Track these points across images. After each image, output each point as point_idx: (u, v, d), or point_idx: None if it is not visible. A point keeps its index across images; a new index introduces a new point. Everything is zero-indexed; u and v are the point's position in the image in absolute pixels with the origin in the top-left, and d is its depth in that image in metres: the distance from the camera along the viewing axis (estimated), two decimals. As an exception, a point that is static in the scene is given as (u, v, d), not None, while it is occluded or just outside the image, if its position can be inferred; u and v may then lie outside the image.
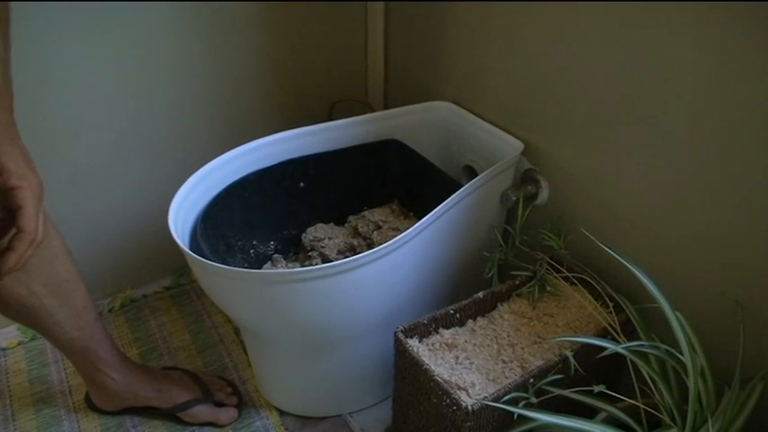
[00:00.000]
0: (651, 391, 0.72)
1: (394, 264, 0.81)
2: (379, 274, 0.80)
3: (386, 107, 1.26)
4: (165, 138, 1.14)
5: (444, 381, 0.75)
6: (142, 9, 1.00)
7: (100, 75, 1.02)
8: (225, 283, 0.78)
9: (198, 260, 0.75)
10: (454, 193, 0.85)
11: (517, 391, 0.74)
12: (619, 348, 0.68)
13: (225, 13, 1.08)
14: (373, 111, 1.23)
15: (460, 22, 1.03)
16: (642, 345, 0.68)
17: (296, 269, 0.73)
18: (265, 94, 1.20)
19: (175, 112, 1.13)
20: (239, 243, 0.98)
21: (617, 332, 0.78)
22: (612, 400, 0.73)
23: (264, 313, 0.81)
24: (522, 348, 0.83)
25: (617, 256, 0.69)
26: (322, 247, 1.02)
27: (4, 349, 1.14)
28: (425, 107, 1.08)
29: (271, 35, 1.15)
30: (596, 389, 0.70)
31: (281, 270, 0.72)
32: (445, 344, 0.83)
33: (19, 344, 1.16)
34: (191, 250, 0.77)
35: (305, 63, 1.21)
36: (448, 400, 0.73)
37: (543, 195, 0.97)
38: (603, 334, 0.81)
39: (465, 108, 1.05)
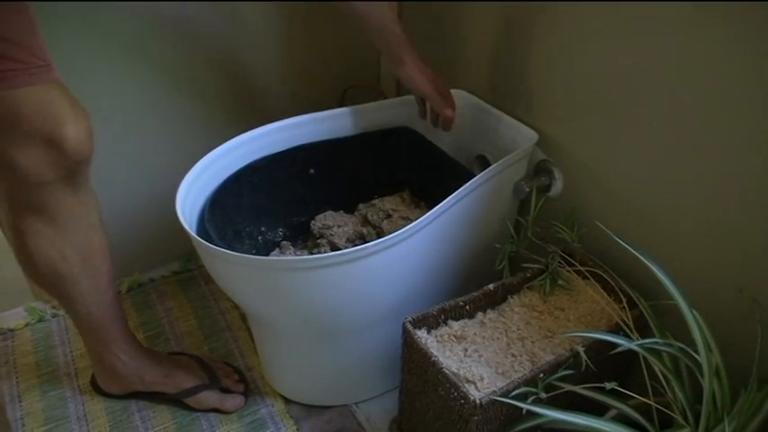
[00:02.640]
0: (663, 388, 0.70)
1: (404, 253, 0.80)
2: (389, 263, 0.79)
3: (398, 94, 1.24)
4: (174, 123, 1.13)
5: (452, 373, 0.74)
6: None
7: (107, 59, 1.01)
8: (233, 269, 0.77)
9: (206, 246, 0.74)
10: (466, 182, 0.83)
11: (527, 385, 0.73)
12: (633, 345, 0.66)
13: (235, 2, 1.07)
14: (385, 98, 1.22)
15: (477, 10, 1.01)
16: (657, 342, 0.67)
17: (305, 257, 0.72)
18: (276, 80, 1.18)
19: (184, 97, 1.11)
20: (247, 229, 0.97)
21: (630, 328, 0.77)
22: (623, 398, 0.71)
23: (272, 300, 0.80)
24: (533, 342, 0.82)
25: (634, 252, 0.68)
26: (331, 234, 1.01)
27: (11, 330, 1.14)
28: (439, 95, 1.06)
29: (283, 21, 1.13)
30: (608, 386, 0.68)
31: (290, 257, 0.71)
32: (454, 336, 0.82)
33: (26, 325, 1.16)
34: (198, 236, 0.76)
35: (317, 49, 1.19)
36: (456, 393, 0.72)
37: (557, 187, 0.95)
38: (616, 330, 0.80)
39: (479, 97, 1.03)
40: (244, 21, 1.09)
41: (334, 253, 0.72)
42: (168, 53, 1.06)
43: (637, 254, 0.68)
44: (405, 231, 0.76)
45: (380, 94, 1.22)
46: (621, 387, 0.69)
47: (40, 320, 1.16)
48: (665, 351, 0.69)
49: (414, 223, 0.77)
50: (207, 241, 0.75)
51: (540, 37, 0.90)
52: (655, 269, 0.67)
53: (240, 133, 0.93)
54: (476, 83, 1.05)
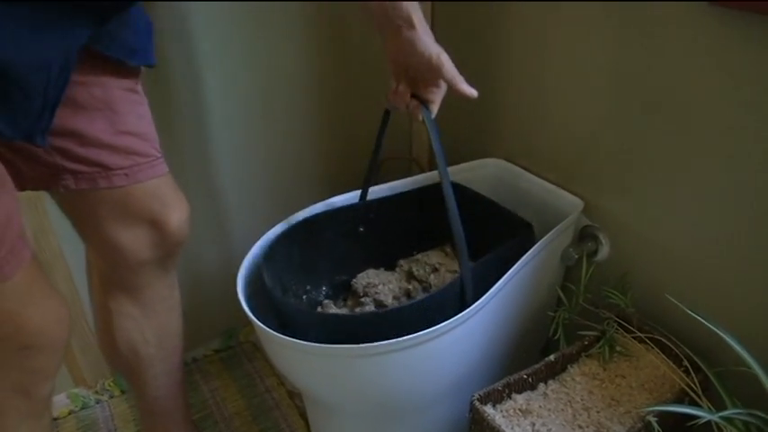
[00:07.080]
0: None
1: (470, 329, 0.80)
2: (459, 339, 0.80)
3: (431, 166, 1.27)
4: (210, 202, 1.14)
5: (528, 452, 0.74)
6: (199, 73, 1.02)
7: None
8: (304, 358, 0.77)
9: (276, 337, 0.74)
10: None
11: (604, 461, 0.73)
12: (715, 417, 0.66)
13: (272, 74, 1.10)
14: (420, 167, 1.24)
15: (512, 77, 1.04)
16: (740, 413, 0.67)
17: (387, 342, 0.72)
18: (310, 158, 1.21)
19: (222, 180, 1.14)
20: (293, 287, 0.96)
21: (698, 396, 0.77)
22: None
23: (340, 385, 0.80)
24: (598, 412, 0.82)
25: (709, 325, 0.68)
26: (376, 293, 1.00)
27: (55, 419, 1.12)
28: (476, 165, 1.08)
29: (315, 99, 1.16)
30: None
31: (366, 345, 0.72)
32: (519, 410, 0.82)
33: (70, 413, 1.14)
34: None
35: (348, 122, 1.22)
36: (534, 473, 0.72)
37: (603, 252, 0.96)
38: (682, 396, 0.80)
39: (517, 164, 1.06)
40: (279, 100, 1.12)
41: (414, 335, 0.72)
42: (208, 128, 1.08)
43: (710, 326, 0.68)
44: (478, 305, 0.77)
45: (415, 163, 1.24)
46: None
47: (84, 407, 1.15)
48: (744, 420, 0.69)
49: (487, 295, 0.78)
50: (263, 324, 0.75)
51: (579, 102, 0.93)
52: (730, 341, 0.67)
53: (281, 216, 0.94)
54: (512, 150, 1.08)
